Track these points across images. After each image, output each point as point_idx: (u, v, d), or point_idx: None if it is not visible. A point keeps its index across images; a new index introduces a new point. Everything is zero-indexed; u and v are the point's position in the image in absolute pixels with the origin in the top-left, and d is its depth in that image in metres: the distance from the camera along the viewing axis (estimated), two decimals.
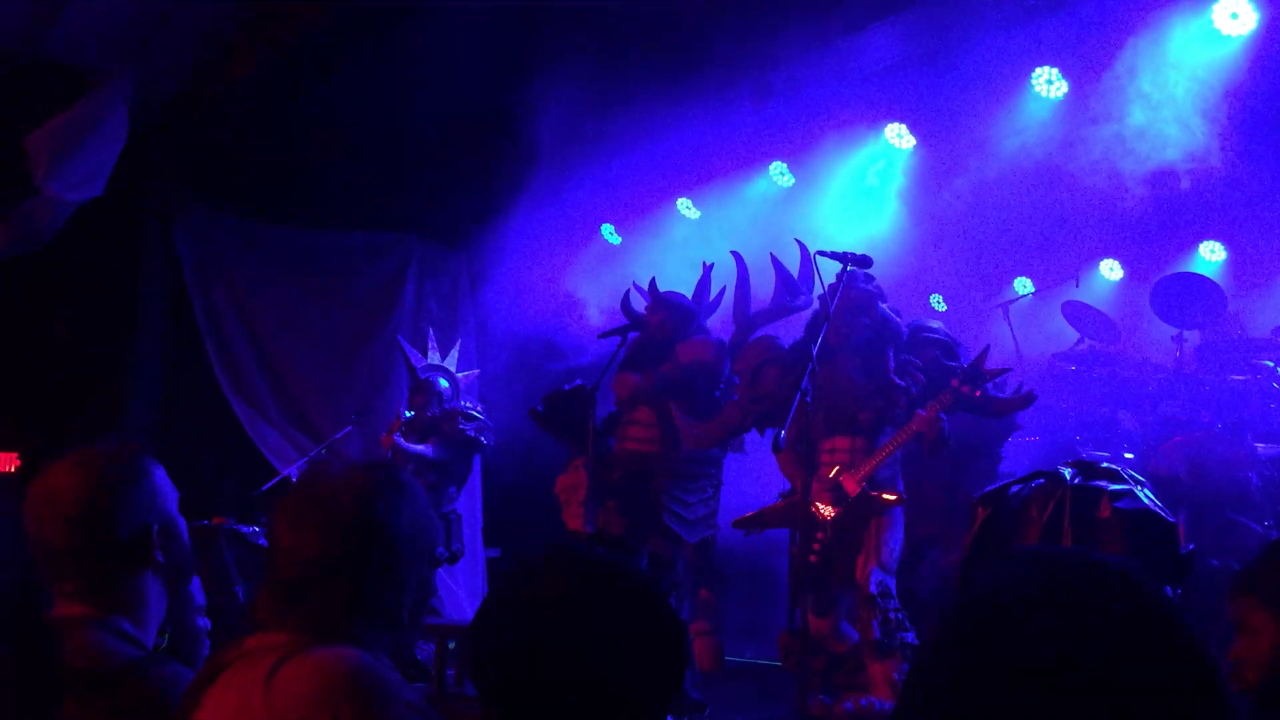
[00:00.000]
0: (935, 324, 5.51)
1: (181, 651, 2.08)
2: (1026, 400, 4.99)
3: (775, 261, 5.89)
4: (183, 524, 2.05)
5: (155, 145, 7.40)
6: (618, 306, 6.39)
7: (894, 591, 4.83)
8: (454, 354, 6.55)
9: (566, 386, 6.09)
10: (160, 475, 2.03)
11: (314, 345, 8.15)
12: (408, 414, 6.51)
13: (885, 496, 4.95)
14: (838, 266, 4.83)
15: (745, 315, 6.04)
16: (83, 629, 1.88)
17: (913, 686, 0.96)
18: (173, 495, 2.05)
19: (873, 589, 4.78)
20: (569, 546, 1.44)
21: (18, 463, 7.30)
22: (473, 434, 6.38)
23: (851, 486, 4.95)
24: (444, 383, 6.46)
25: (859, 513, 4.94)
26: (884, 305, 5.28)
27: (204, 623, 2.13)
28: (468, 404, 6.51)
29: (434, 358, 6.44)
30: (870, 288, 5.25)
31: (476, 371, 6.64)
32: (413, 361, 6.40)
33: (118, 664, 1.84)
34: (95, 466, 1.96)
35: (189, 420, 7.90)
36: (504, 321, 7.90)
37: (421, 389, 6.54)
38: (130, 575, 1.95)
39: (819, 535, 4.99)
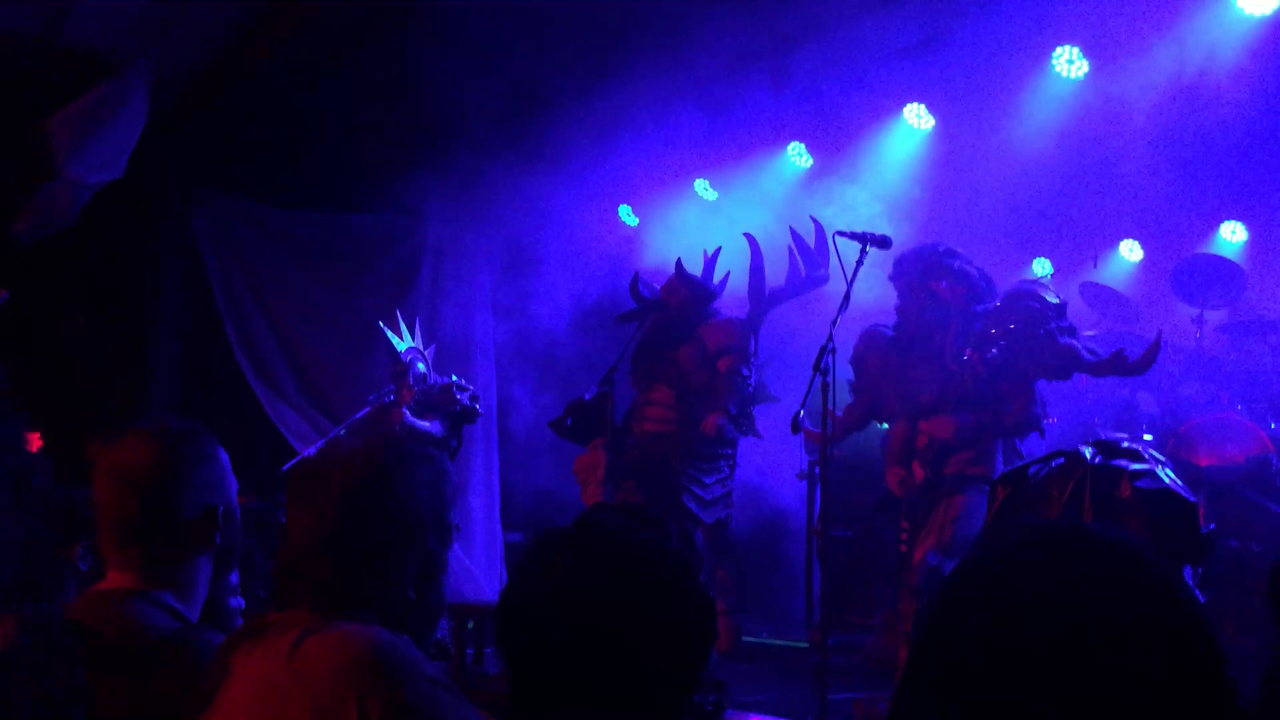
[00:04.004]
0: (1045, 286, 5.22)
1: (217, 629, 2.11)
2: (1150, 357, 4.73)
3: (795, 236, 5.90)
4: (238, 512, 2.07)
5: (173, 131, 7.43)
6: (638, 290, 6.40)
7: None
8: (418, 333, 6.61)
9: (586, 396, 6.13)
10: (225, 458, 2.06)
11: (332, 327, 8.18)
12: (389, 398, 6.52)
13: (968, 472, 4.83)
14: (857, 247, 4.82)
15: (761, 295, 6.06)
16: (129, 601, 1.91)
17: (914, 653, 0.96)
18: (234, 482, 2.07)
19: (920, 579, 4.70)
20: (597, 521, 1.44)
21: (40, 443, 7.38)
22: (468, 402, 6.42)
23: (918, 472, 4.94)
24: (421, 366, 6.51)
25: (929, 497, 4.90)
26: (958, 290, 5.11)
27: (238, 602, 2.16)
28: (454, 377, 6.55)
29: (407, 339, 6.47)
30: (944, 314, 5.10)
31: (433, 346, 6.72)
32: (394, 344, 6.44)
33: (157, 636, 1.86)
34: (168, 442, 1.98)
35: (209, 401, 7.95)
36: (520, 302, 7.91)
37: (404, 371, 6.55)
38: (189, 554, 1.98)
39: (904, 524, 4.99)
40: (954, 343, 5.04)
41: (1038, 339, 4.87)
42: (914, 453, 5.00)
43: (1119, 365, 4.81)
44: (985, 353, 4.90)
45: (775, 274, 6.11)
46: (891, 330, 5.33)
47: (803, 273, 5.89)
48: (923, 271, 5.14)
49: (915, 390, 5.05)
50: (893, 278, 5.27)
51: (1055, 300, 5.01)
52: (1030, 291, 5.08)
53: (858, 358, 5.40)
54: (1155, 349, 4.75)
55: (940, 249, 5.24)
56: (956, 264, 5.16)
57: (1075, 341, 4.91)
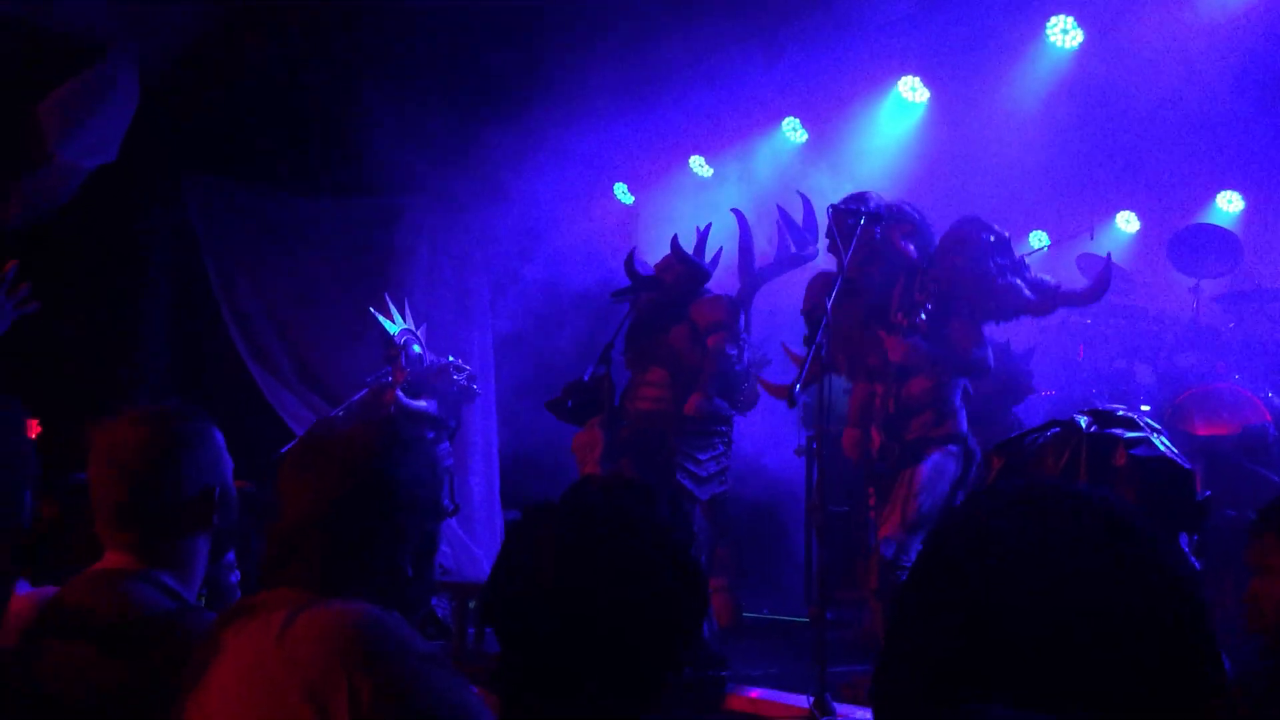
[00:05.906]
0: (984, 224, 4.84)
1: (215, 607, 2.11)
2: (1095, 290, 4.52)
3: (782, 213, 5.87)
4: (234, 493, 2.08)
5: (165, 114, 7.39)
6: (633, 266, 6.38)
7: (913, 557, 4.53)
8: (409, 314, 6.60)
9: (585, 376, 6.09)
10: (221, 440, 2.06)
11: (328, 309, 8.16)
12: (386, 380, 6.52)
13: (931, 435, 4.61)
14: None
15: (751, 271, 6.03)
16: (124, 580, 1.91)
17: (898, 613, 0.95)
18: (229, 463, 2.07)
19: (878, 578, 4.56)
20: (586, 493, 1.44)
21: (39, 429, 7.38)
22: (465, 383, 6.42)
23: (874, 436, 4.86)
24: (416, 348, 6.51)
25: (891, 463, 4.80)
26: (901, 238, 4.84)
27: (235, 576, 2.17)
28: (451, 358, 6.55)
29: (400, 321, 6.47)
30: (877, 234, 4.75)
31: (424, 325, 6.71)
32: (387, 328, 6.44)
33: (153, 615, 1.87)
34: (163, 424, 1.99)
35: (202, 385, 7.95)
36: (517, 282, 7.90)
37: (397, 354, 6.54)
38: (186, 534, 1.98)
39: (870, 490, 4.94)
40: (895, 306, 4.80)
41: (974, 280, 4.65)
42: (871, 414, 4.88)
43: (1066, 297, 4.64)
44: (914, 317, 4.66)
45: (766, 250, 6.08)
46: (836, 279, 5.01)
47: (792, 249, 5.86)
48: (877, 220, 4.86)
49: (863, 353, 4.93)
50: (834, 225, 4.84)
51: (993, 237, 4.72)
52: (965, 235, 4.79)
53: (809, 310, 5.05)
54: (1107, 272, 4.61)
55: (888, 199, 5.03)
56: (914, 214, 4.96)
57: (1017, 280, 4.65)
